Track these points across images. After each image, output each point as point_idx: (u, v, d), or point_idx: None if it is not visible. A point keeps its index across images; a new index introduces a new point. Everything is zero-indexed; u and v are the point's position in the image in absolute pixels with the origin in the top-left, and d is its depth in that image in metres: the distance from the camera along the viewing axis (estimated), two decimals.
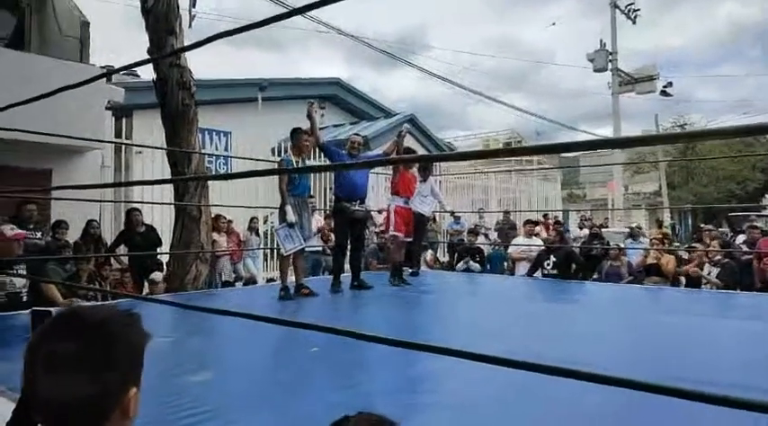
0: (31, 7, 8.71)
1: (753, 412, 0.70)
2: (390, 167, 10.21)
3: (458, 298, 5.81)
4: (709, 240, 7.74)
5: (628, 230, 10.61)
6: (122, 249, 7.05)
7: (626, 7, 19.90)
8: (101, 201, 8.09)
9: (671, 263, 7.07)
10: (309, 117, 5.42)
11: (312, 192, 8.84)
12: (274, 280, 8.39)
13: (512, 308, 5.09)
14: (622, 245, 8.42)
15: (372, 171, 6.24)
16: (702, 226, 12.94)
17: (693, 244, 8.38)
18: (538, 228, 8.67)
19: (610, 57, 19.16)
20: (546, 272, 7.04)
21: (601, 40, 19.33)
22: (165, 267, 6.75)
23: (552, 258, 7.03)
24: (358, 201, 5.55)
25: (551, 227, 8.05)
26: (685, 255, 7.74)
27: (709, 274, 6.81)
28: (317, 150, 5.58)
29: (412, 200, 6.18)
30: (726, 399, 0.70)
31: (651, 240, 8.39)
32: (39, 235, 6.06)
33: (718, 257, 6.91)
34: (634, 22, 20.12)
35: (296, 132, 5.38)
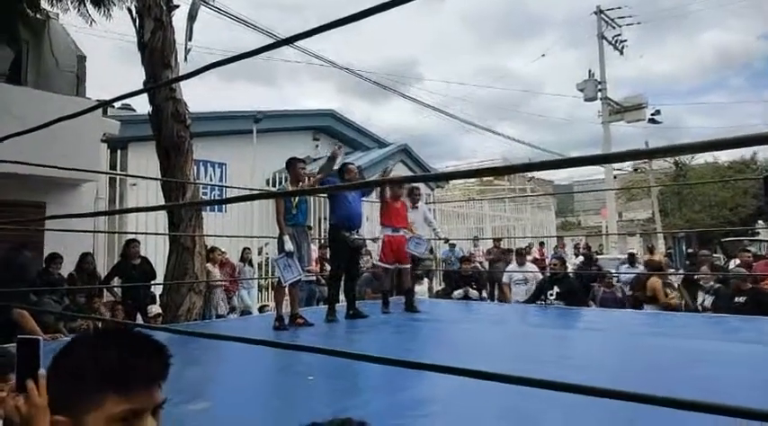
0: (29, 42, 8.85)
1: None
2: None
3: (458, 326, 5.74)
4: (699, 267, 7.71)
5: (624, 257, 10.65)
6: (116, 281, 6.98)
7: (613, 38, 20.37)
8: (94, 232, 8.05)
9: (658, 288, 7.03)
10: (333, 158, 5.39)
11: (310, 223, 8.85)
12: (267, 306, 8.33)
13: (514, 334, 5.05)
14: (616, 272, 8.42)
15: (366, 199, 6.29)
16: (691, 251, 12.90)
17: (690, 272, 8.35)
18: (529, 257, 8.69)
19: (599, 87, 19.50)
20: (549, 302, 6.95)
21: (589, 71, 19.72)
22: (158, 299, 6.69)
23: (556, 288, 6.94)
24: (355, 230, 5.57)
25: (549, 259, 8.01)
26: (678, 282, 7.69)
27: (703, 301, 6.74)
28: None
29: (408, 244, 6.14)
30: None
31: (646, 268, 8.38)
32: None
33: (711, 283, 6.85)
34: (621, 53, 20.56)
35: (292, 162, 5.38)
